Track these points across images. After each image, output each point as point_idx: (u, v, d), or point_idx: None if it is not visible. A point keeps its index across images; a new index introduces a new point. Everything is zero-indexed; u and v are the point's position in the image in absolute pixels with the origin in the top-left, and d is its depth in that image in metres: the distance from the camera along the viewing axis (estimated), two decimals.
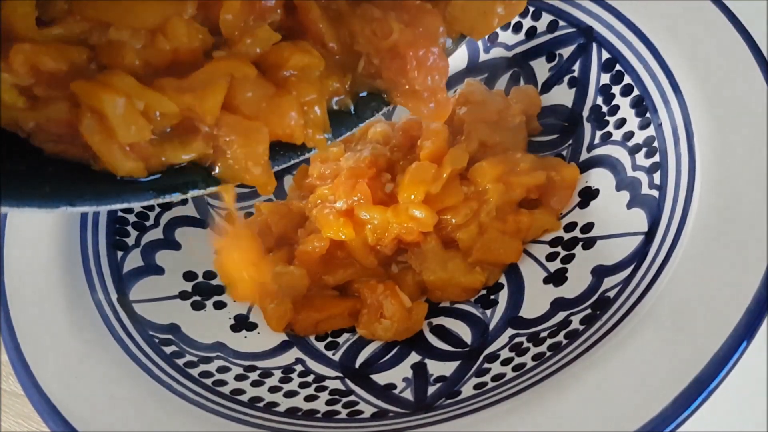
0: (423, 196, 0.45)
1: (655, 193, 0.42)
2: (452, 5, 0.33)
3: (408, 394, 0.41)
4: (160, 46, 0.28)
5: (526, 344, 0.41)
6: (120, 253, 0.49)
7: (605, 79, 0.49)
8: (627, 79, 0.47)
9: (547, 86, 0.53)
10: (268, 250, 0.50)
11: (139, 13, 0.28)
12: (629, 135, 0.46)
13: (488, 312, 0.45)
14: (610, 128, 0.48)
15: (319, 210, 0.47)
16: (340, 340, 0.47)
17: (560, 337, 0.40)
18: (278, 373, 0.44)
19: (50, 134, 0.28)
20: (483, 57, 0.57)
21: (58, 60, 0.27)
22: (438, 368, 0.43)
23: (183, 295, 0.49)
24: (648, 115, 0.45)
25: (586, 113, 0.50)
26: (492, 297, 0.46)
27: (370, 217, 0.45)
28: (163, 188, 0.31)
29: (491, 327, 0.44)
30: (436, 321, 0.46)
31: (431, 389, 0.41)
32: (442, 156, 0.46)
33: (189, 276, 0.51)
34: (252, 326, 0.48)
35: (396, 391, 0.42)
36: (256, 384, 0.43)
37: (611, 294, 0.40)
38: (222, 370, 0.44)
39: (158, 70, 0.29)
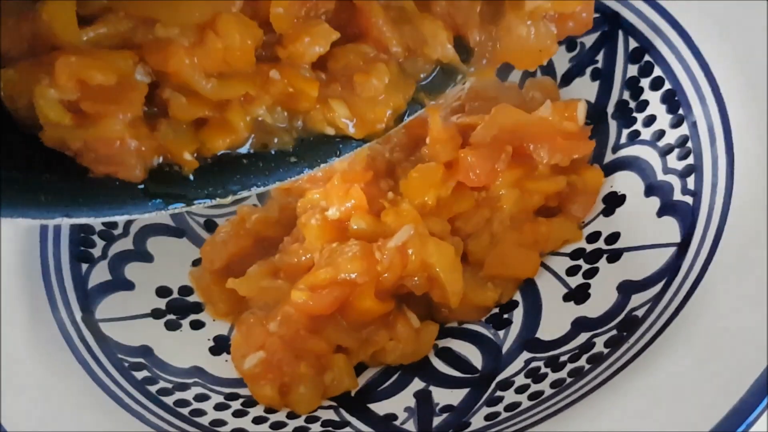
0: (435, 201, 0.45)
1: (689, 199, 0.43)
2: (508, 41, 0.35)
3: (411, 426, 0.41)
4: (211, 44, 0.29)
5: (543, 369, 0.41)
6: (85, 266, 0.49)
7: (633, 70, 0.49)
8: (657, 71, 0.48)
9: (567, 78, 0.53)
10: (249, 258, 0.50)
11: (185, 7, 0.28)
12: (660, 134, 0.46)
13: (501, 333, 0.45)
14: (638, 126, 0.48)
15: (308, 217, 0.47)
16: None
17: (582, 362, 0.40)
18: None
19: (99, 154, 0.29)
20: None
21: (106, 72, 0.27)
22: (444, 396, 0.43)
23: (156, 314, 0.49)
24: (681, 111, 0.45)
25: (611, 109, 0.50)
26: (505, 316, 0.46)
27: (367, 227, 0.46)
28: (168, 196, 0.32)
29: (504, 350, 0.44)
30: (442, 343, 0.46)
31: (437, 420, 0.41)
32: (455, 163, 0.46)
33: (162, 292, 0.51)
34: None
35: (397, 423, 0.42)
36: (238, 414, 0.43)
37: (639, 313, 0.40)
38: (200, 398, 0.44)
39: (211, 75, 0.29)
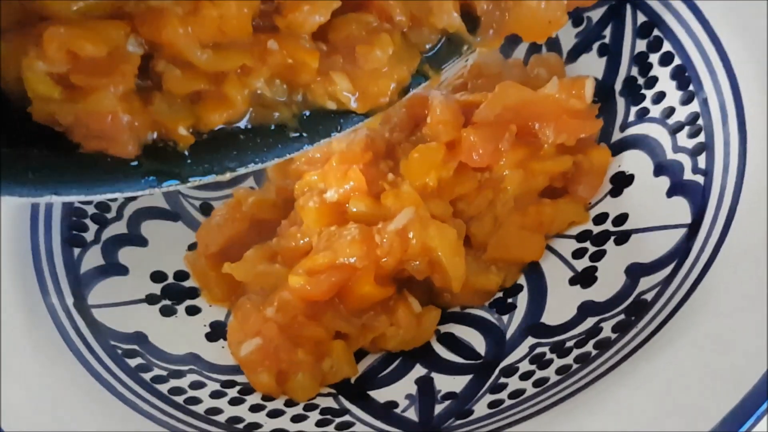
0: (436, 182, 0.45)
1: (700, 178, 0.42)
2: (517, 11, 0.35)
3: (412, 414, 0.41)
4: (206, 12, 0.28)
5: (549, 355, 0.41)
6: (77, 251, 0.49)
7: (641, 46, 0.49)
8: (666, 46, 0.47)
9: (573, 54, 0.53)
10: (245, 242, 0.50)
11: None
12: (669, 111, 0.46)
13: (505, 318, 0.45)
14: (646, 103, 0.48)
15: (305, 200, 0.47)
16: None
17: (589, 347, 0.40)
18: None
19: (91, 129, 0.29)
20: None
21: (96, 43, 0.27)
22: (447, 383, 0.43)
23: (150, 299, 0.49)
24: (691, 88, 0.45)
25: (618, 86, 0.50)
26: (509, 301, 0.46)
27: (366, 209, 0.45)
28: (162, 173, 0.32)
29: (508, 336, 0.44)
30: (444, 329, 0.46)
31: (439, 408, 0.41)
32: (457, 143, 0.46)
33: (157, 277, 0.51)
34: None
35: (398, 410, 0.42)
36: (234, 402, 0.43)
37: (648, 297, 0.40)
38: (196, 385, 0.44)
39: (206, 46, 0.29)
